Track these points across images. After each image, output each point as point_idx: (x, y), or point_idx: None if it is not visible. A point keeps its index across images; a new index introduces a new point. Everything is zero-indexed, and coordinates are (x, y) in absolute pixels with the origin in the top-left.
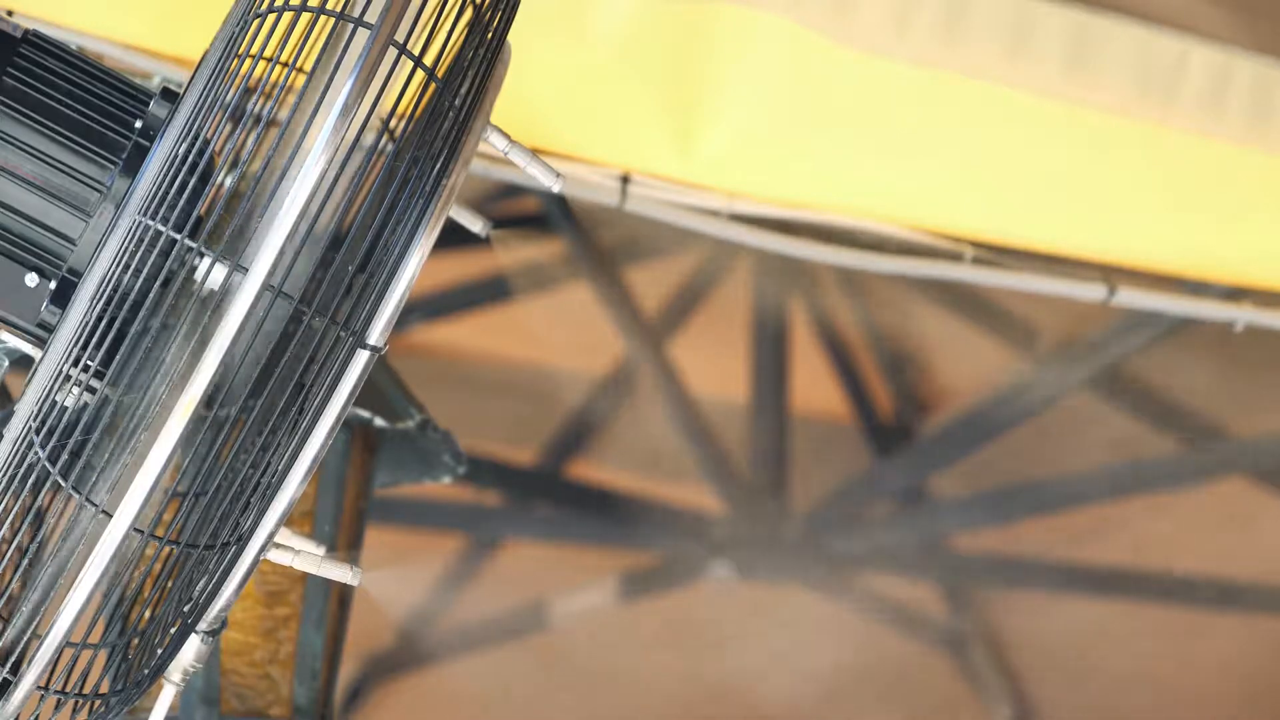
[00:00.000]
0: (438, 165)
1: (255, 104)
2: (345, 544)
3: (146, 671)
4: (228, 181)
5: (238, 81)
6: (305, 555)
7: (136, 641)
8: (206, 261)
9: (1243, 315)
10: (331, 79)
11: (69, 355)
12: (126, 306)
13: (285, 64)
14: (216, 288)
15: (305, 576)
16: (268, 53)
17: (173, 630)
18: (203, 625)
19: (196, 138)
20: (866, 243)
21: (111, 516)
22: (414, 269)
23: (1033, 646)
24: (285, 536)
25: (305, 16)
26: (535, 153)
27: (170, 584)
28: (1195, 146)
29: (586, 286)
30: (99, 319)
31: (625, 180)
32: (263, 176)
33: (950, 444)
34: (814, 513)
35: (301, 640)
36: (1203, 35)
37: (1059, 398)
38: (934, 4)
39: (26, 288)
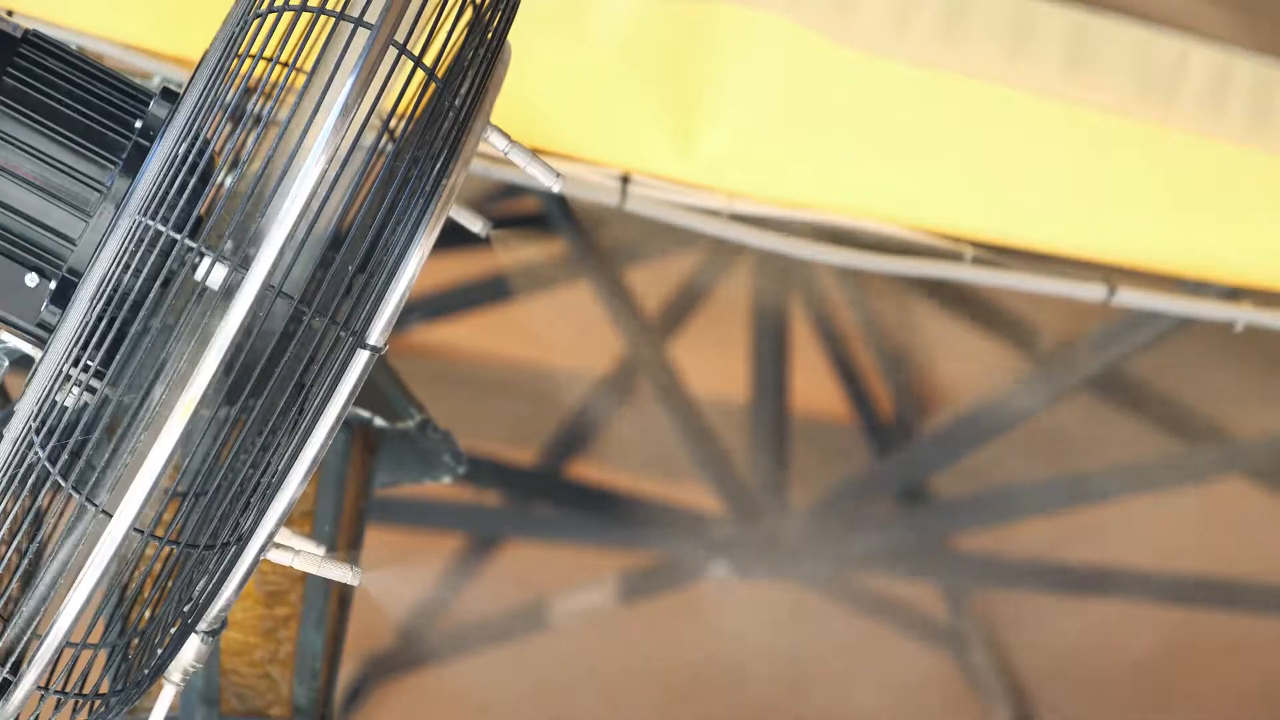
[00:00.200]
0: (438, 165)
1: (255, 104)
2: (345, 544)
3: (146, 671)
4: (228, 181)
5: (238, 81)
6: (305, 555)
7: (136, 641)
8: (206, 261)
9: (1243, 315)
10: (331, 79)
11: (69, 355)
12: (126, 306)
13: (285, 64)
14: (216, 288)
15: (305, 576)
16: (268, 53)
17: (173, 630)
18: (203, 625)
19: (196, 138)
20: (866, 243)
21: (111, 516)
22: (414, 269)
23: (1033, 646)
24: (285, 536)
25: (305, 16)
26: (535, 153)
27: (170, 584)
28: (1195, 146)
29: (586, 286)
30: (99, 319)
31: (625, 180)
32: (263, 176)
33: (950, 444)
34: (814, 513)
35: (301, 640)
36: (1203, 35)
37: (1059, 398)
38: (934, 4)
39: (26, 288)
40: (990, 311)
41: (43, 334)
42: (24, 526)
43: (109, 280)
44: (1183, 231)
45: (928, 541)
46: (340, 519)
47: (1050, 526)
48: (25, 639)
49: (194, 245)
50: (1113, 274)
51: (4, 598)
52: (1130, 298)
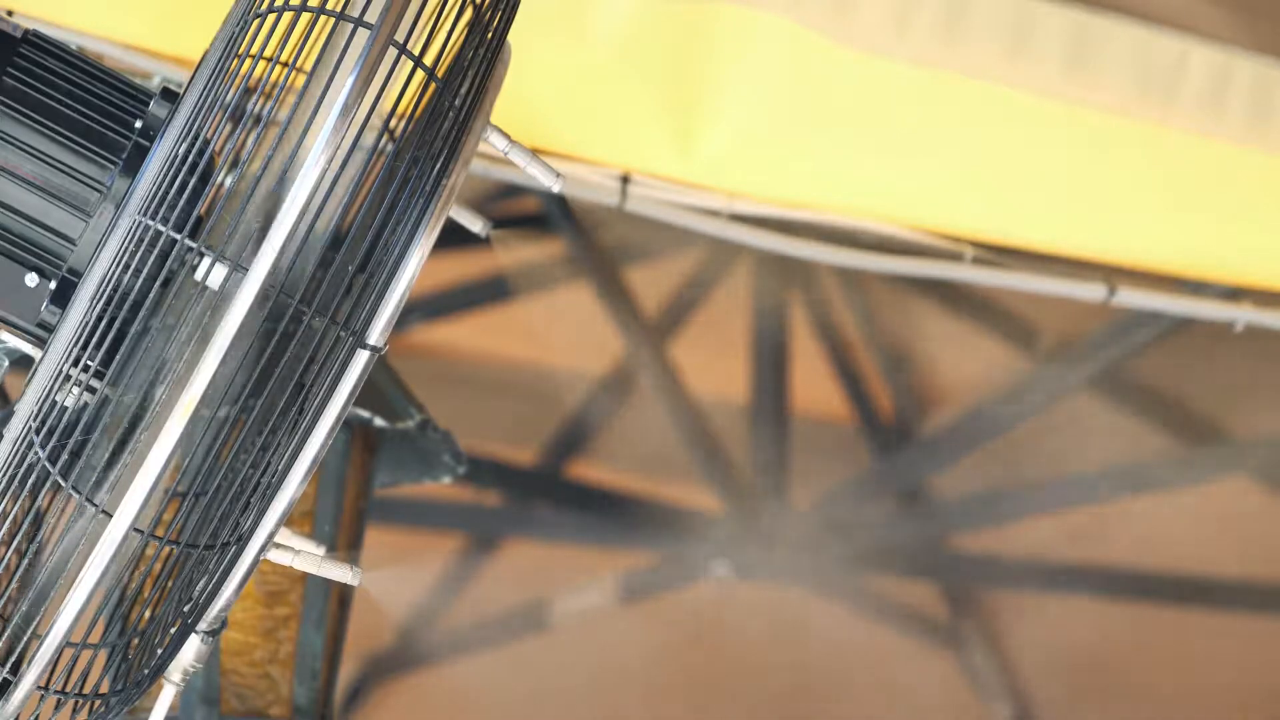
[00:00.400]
0: (438, 165)
1: (255, 104)
2: (345, 544)
3: (146, 671)
4: (228, 181)
5: (238, 81)
6: (305, 555)
7: (136, 641)
8: (206, 261)
9: (1243, 315)
10: (331, 79)
11: (69, 355)
12: (126, 306)
13: (285, 64)
14: (216, 288)
15: (305, 576)
16: (268, 53)
17: (173, 630)
18: (203, 625)
19: (196, 138)
20: (866, 243)
21: (111, 516)
22: (414, 269)
23: (1033, 646)
24: (285, 536)
25: (305, 16)
26: (535, 153)
27: (170, 584)
28: (1195, 146)
29: (586, 286)
30: (99, 319)
31: (625, 180)
32: (263, 176)
33: (950, 444)
34: (814, 513)
35: (301, 640)
36: (1203, 35)
37: (1059, 398)
38: (934, 4)
39: (26, 288)
40: (990, 311)
41: (43, 334)
42: (24, 527)
43: (109, 280)
44: (1183, 231)
45: (928, 541)
46: (340, 519)
47: (1050, 526)
48: (25, 639)
49: (194, 245)
50: (1113, 274)
51: (4, 598)
52: (1130, 298)
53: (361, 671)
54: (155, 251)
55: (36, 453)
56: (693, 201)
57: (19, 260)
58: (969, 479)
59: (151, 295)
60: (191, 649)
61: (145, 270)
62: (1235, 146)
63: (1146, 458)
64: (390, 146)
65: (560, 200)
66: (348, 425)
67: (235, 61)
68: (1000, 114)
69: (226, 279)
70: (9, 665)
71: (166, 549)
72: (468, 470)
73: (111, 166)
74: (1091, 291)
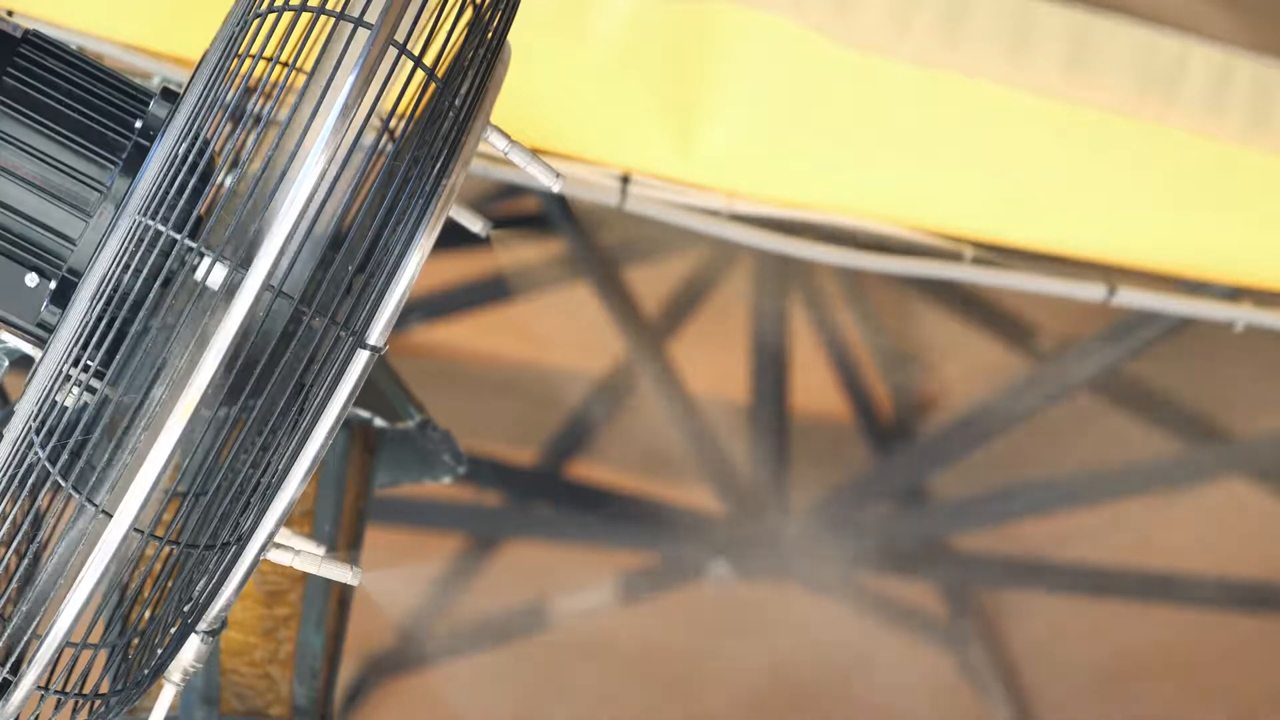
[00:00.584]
0: (438, 165)
1: (255, 104)
2: (345, 544)
3: (146, 671)
4: (228, 181)
5: (238, 81)
6: (305, 555)
7: (136, 641)
8: (206, 261)
9: (1243, 315)
10: (331, 79)
11: (69, 355)
12: (126, 306)
13: (285, 64)
14: (216, 288)
15: (305, 576)
16: (268, 53)
17: (173, 630)
18: (203, 625)
19: (196, 138)
20: (866, 243)
21: (111, 516)
22: (414, 269)
23: (1033, 646)
24: (285, 536)
25: (305, 16)
26: (535, 153)
27: (170, 584)
28: (1195, 146)
29: (586, 286)
30: (99, 319)
31: (625, 180)
32: (263, 176)
33: (950, 444)
34: (814, 513)
35: (301, 640)
36: (1203, 35)
37: (1059, 398)
38: (934, 4)
39: (26, 288)
40: (990, 311)
41: (43, 334)
42: (24, 527)
43: (109, 280)
44: (1183, 231)
45: (928, 541)
46: (340, 519)
47: (1050, 526)
48: (25, 639)
49: (194, 245)
50: (1113, 274)
51: (4, 598)
52: (1130, 298)
53: (361, 671)
54: (155, 251)
55: (36, 453)
56: (693, 201)
57: (19, 260)
58: (969, 479)
59: (151, 295)
60: (191, 649)
61: (145, 270)
62: (1235, 146)
63: (1146, 458)
64: (390, 146)
65: (560, 200)
66: (348, 425)
67: (235, 61)
68: (1000, 114)
69: (226, 279)
70: (9, 665)
71: (166, 549)
72: (468, 470)
73: (111, 166)
74: (1091, 291)
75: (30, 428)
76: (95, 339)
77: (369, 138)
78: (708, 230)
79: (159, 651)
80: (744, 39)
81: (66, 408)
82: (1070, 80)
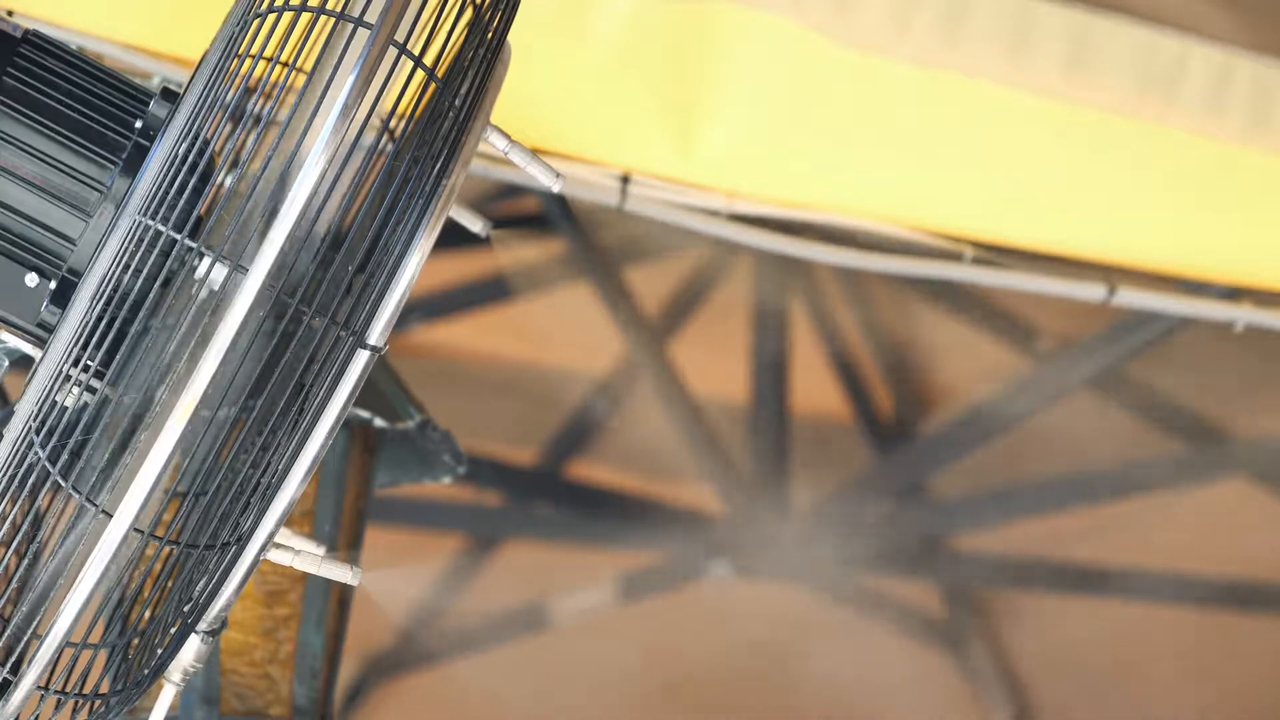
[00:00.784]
0: (438, 165)
1: (255, 104)
2: (345, 544)
3: (146, 671)
4: (228, 181)
5: (238, 81)
6: (305, 555)
7: (136, 641)
8: (206, 261)
9: (1243, 315)
10: (331, 79)
11: (69, 355)
12: (126, 306)
13: (285, 64)
14: (216, 288)
15: (305, 576)
16: (268, 53)
17: (173, 630)
18: (203, 625)
19: (196, 138)
20: (866, 243)
21: (111, 516)
22: (414, 269)
23: (1033, 646)
24: (285, 536)
25: (305, 16)
26: (535, 153)
27: (170, 584)
28: (1195, 146)
29: (586, 286)
30: (99, 319)
31: (625, 180)
32: (263, 176)
33: (950, 444)
34: (814, 513)
35: (301, 640)
36: (1203, 35)
37: (1059, 398)
38: (934, 4)
39: (26, 288)
40: (990, 311)
41: (43, 334)
42: (24, 527)
43: (109, 280)
44: (1182, 231)
45: (928, 541)
46: (340, 519)
47: (1050, 526)
48: (25, 639)
49: (194, 245)
50: (1113, 274)
51: (4, 598)
52: (1130, 298)
53: (361, 671)
54: (155, 251)
55: (36, 453)
56: (693, 201)
57: (19, 260)
58: (969, 479)
59: (151, 295)
60: (191, 649)
61: (145, 270)
62: (1235, 146)
63: (1146, 458)
64: (390, 146)
65: (560, 200)
66: (348, 425)
67: (235, 61)
68: (1000, 114)
69: (226, 279)
70: (9, 665)
71: (166, 549)
72: (468, 470)
73: (111, 166)
74: (1091, 291)
75: (30, 428)
76: (95, 339)
77: (369, 138)
78: (708, 230)
79: (159, 651)
80: (744, 39)
81: (66, 408)
82: (1070, 80)
